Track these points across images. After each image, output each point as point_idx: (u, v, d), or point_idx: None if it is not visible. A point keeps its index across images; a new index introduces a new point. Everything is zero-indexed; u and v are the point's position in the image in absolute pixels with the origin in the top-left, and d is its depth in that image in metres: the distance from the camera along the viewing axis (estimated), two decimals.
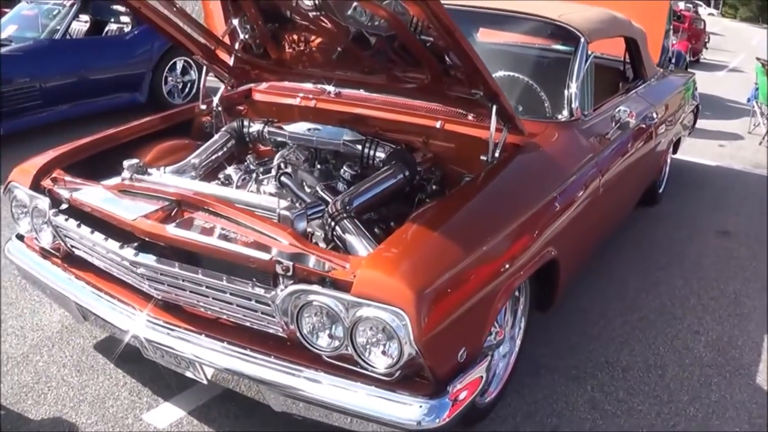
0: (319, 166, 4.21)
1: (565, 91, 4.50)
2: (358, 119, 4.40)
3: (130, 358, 3.95)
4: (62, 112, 8.37)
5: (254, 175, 4.11)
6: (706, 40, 23.29)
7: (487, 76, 3.47)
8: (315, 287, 2.91)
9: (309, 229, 3.51)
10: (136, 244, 3.33)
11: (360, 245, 3.24)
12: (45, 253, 3.90)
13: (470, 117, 4.07)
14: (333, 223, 3.40)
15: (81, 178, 3.81)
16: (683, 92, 7.38)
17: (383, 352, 2.90)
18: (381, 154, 4.04)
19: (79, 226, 3.51)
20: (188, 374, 3.44)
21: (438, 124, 4.12)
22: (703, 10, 23.66)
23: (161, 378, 3.90)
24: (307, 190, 3.92)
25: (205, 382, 3.41)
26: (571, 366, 4.37)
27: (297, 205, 3.60)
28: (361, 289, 2.83)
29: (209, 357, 3.24)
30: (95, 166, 4.04)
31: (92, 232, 3.45)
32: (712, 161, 9.63)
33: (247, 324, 3.22)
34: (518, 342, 4.02)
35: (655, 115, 5.92)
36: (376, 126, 4.32)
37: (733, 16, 56.51)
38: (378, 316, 2.80)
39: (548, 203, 3.79)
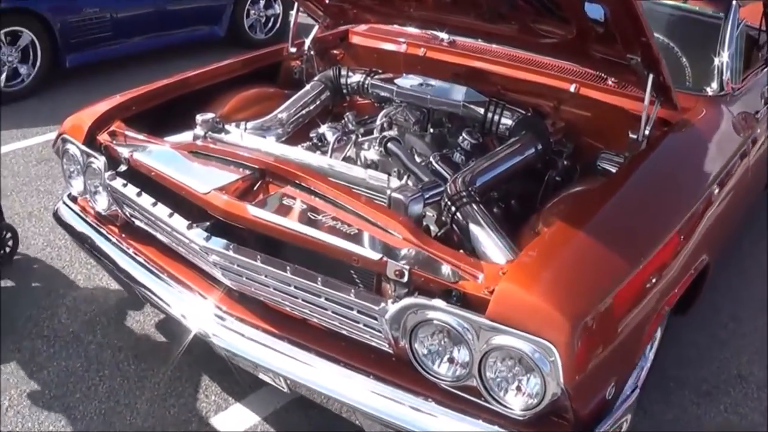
0: (431, 131, 3.48)
1: (716, 60, 3.77)
2: (476, 75, 3.74)
3: (198, 346, 3.32)
4: (134, 45, 7.72)
5: (353, 137, 3.40)
6: None
7: (651, 41, 2.80)
8: (437, 302, 2.25)
9: None
10: (207, 224, 2.73)
11: (491, 243, 2.55)
12: (101, 220, 3.28)
13: (610, 82, 3.46)
14: (453, 208, 2.71)
15: (145, 132, 3.21)
16: None
17: (518, 388, 2.27)
18: (508, 121, 3.36)
19: (139, 194, 2.91)
20: (263, 377, 2.85)
21: (572, 88, 3.52)
22: None
23: (232, 373, 3.26)
24: (418, 159, 3.20)
25: (285, 390, 2.82)
26: (701, 378, 3.73)
27: (409, 183, 2.95)
28: (499, 311, 2.17)
29: (292, 369, 2.62)
30: (162, 117, 3.44)
31: (154, 204, 2.84)
32: None
33: (344, 332, 2.58)
34: (651, 355, 3.32)
35: None
36: (498, 84, 3.66)
37: None
38: (517, 347, 2.15)
39: (707, 198, 3.11)
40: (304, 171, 2.76)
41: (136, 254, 3.11)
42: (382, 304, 2.32)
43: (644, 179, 2.94)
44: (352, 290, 2.38)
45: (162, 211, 2.80)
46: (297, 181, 2.74)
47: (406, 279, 2.30)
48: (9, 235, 4.10)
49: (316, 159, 2.97)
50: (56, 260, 4.23)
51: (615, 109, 3.39)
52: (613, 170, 3.18)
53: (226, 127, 3.21)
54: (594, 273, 2.39)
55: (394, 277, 2.31)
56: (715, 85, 3.69)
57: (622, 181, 2.88)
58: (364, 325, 2.44)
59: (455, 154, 3.29)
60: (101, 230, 3.25)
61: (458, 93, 3.40)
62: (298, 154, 3.02)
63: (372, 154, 3.27)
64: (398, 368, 2.48)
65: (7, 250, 4.11)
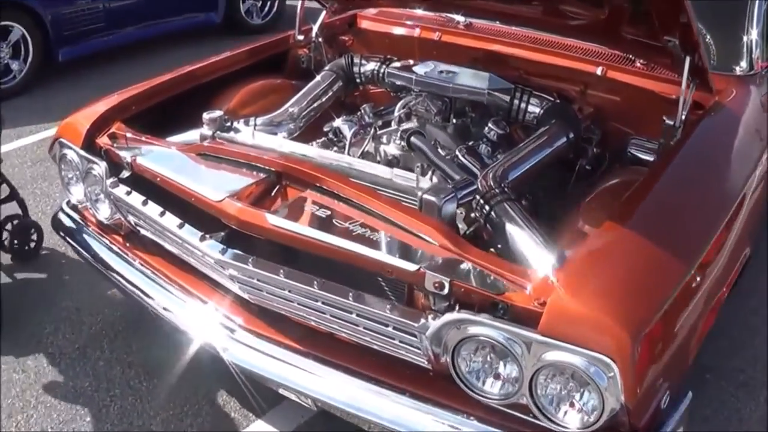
0: (454, 121, 3.25)
1: (744, 37, 3.51)
2: (496, 59, 3.49)
3: (213, 358, 3.11)
4: (128, 35, 7.46)
5: (371, 131, 3.16)
6: None
7: (692, 22, 2.59)
8: (484, 317, 2.03)
9: None
10: (222, 234, 2.52)
11: (534, 247, 2.32)
12: (103, 230, 3.06)
13: (638, 64, 3.23)
14: (487, 207, 2.49)
15: (147, 133, 2.99)
16: None
17: (571, 404, 2.07)
18: (535, 109, 3.15)
19: (145, 203, 2.69)
20: (286, 394, 2.61)
21: (599, 71, 3.27)
22: None
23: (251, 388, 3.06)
24: (441, 152, 2.98)
25: (312, 408, 2.60)
26: (737, 369, 3.53)
27: (434, 179, 2.75)
28: (553, 325, 1.97)
29: (320, 389, 2.41)
30: (164, 115, 3.21)
31: (162, 214, 2.61)
32: None
33: (375, 346, 2.36)
34: None
35: None
36: (520, 68, 3.43)
37: None
38: (573, 363, 1.95)
39: (749, 186, 2.89)
40: (324, 172, 2.55)
41: (143, 265, 2.90)
42: (422, 321, 2.11)
43: (686, 169, 2.73)
44: (388, 306, 2.17)
45: (171, 221, 2.59)
46: (318, 184, 2.52)
47: (446, 291, 2.09)
48: (33, 231, 4.02)
49: (336, 158, 2.74)
50: (55, 269, 4.00)
51: (644, 93, 3.17)
52: (645, 157, 2.99)
53: (235, 125, 2.99)
54: (650, 278, 2.18)
55: (433, 289, 2.11)
56: (744, 63, 3.45)
57: (664, 171, 2.66)
58: (400, 341, 2.22)
59: (481, 145, 3.05)
60: (104, 240, 3.04)
61: (482, 80, 3.17)
62: (316, 153, 2.79)
63: (392, 148, 3.04)
64: (436, 384, 2.29)
65: (32, 245, 4.02)
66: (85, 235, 3.11)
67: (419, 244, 2.23)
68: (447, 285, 2.08)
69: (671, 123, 2.85)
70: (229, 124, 2.96)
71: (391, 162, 3.00)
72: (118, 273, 2.95)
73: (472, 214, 2.61)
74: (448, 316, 2.06)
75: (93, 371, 3.29)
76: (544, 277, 2.08)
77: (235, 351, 2.53)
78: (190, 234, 2.52)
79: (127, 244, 2.99)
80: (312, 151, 2.82)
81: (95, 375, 3.27)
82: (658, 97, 3.09)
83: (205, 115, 2.93)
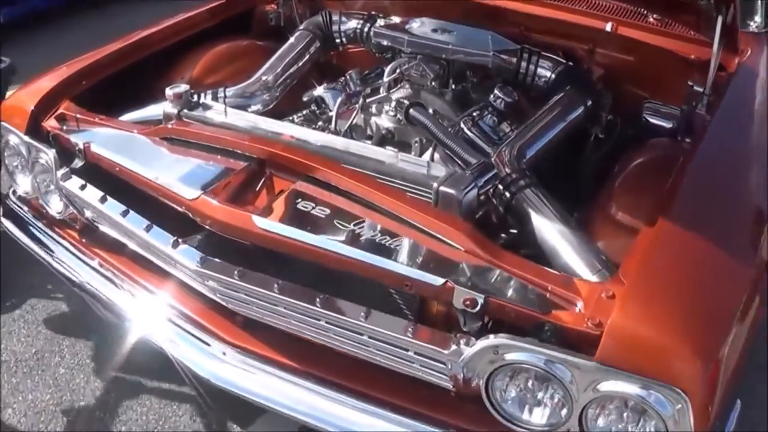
0: (453, 86, 2.86)
1: None
2: (491, 14, 3.12)
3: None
4: None
5: (360, 100, 2.73)
6: None
7: None
8: (530, 344, 1.69)
9: None
10: (198, 237, 2.16)
11: (573, 250, 1.97)
12: (56, 225, 2.64)
13: (651, 19, 3.00)
14: (508, 194, 2.14)
15: (100, 112, 2.56)
16: None
17: None
18: (546, 72, 2.79)
19: (103, 200, 2.27)
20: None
21: (608, 27, 2.98)
22: None
23: None
24: (444, 124, 2.59)
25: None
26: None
27: (437, 156, 2.42)
28: (615, 353, 1.64)
29: (325, 417, 2.04)
30: (119, 88, 2.77)
31: (125, 214, 2.22)
32: None
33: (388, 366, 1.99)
34: None
35: None
36: (519, 24, 3.06)
37: None
38: (633, 393, 1.63)
39: None
40: (316, 159, 2.15)
41: (102, 266, 2.49)
42: (453, 347, 1.76)
43: (727, 145, 2.42)
44: (410, 329, 1.81)
45: (136, 222, 2.19)
46: (310, 174, 2.13)
47: (479, 309, 1.73)
48: None
49: (328, 140, 2.32)
50: (5, 259, 3.54)
51: (659, 52, 2.88)
52: (662, 123, 2.69)
53: (203, 100, 2.56)
54: (716, 289, 1.87)
55: (463, 307, 1.75)
56: (758, 18, 3.14)
57: (705, 149, 2.31)
58: (422, 365, 1.88)
59: (487, 115, 2.67)
60: (57, 238, 2.63)
61: (485, 40, 2.80)
62: (304, 133, 2.36)
63: (385, 120, 2.64)
64: (459, 407, 1.95)
65: None
66: (32, 230, 2.69)
67: (441, 249, 1.87)
68: (480, 302, 1.73)
69: (700, 89, 2.55)
70: (195, 99, 2.54)
71: (385, 136, 2.63)
72: (74, 272, 2.55)
73: (482, 197, 2.24)
74: (485, 342, 1.72)
75: (54, 380, 2.93)
76: (596, 291, 1.74)
77: (214, 368, 2.16)
78: (160, 239, 2.13)
79: (82, 241, 2.58)
80: (298, 131, 2.38)
81: (56, 385, 2.91)
82: (675, 56, 2.82)
83: (168, 90, 2.48)
